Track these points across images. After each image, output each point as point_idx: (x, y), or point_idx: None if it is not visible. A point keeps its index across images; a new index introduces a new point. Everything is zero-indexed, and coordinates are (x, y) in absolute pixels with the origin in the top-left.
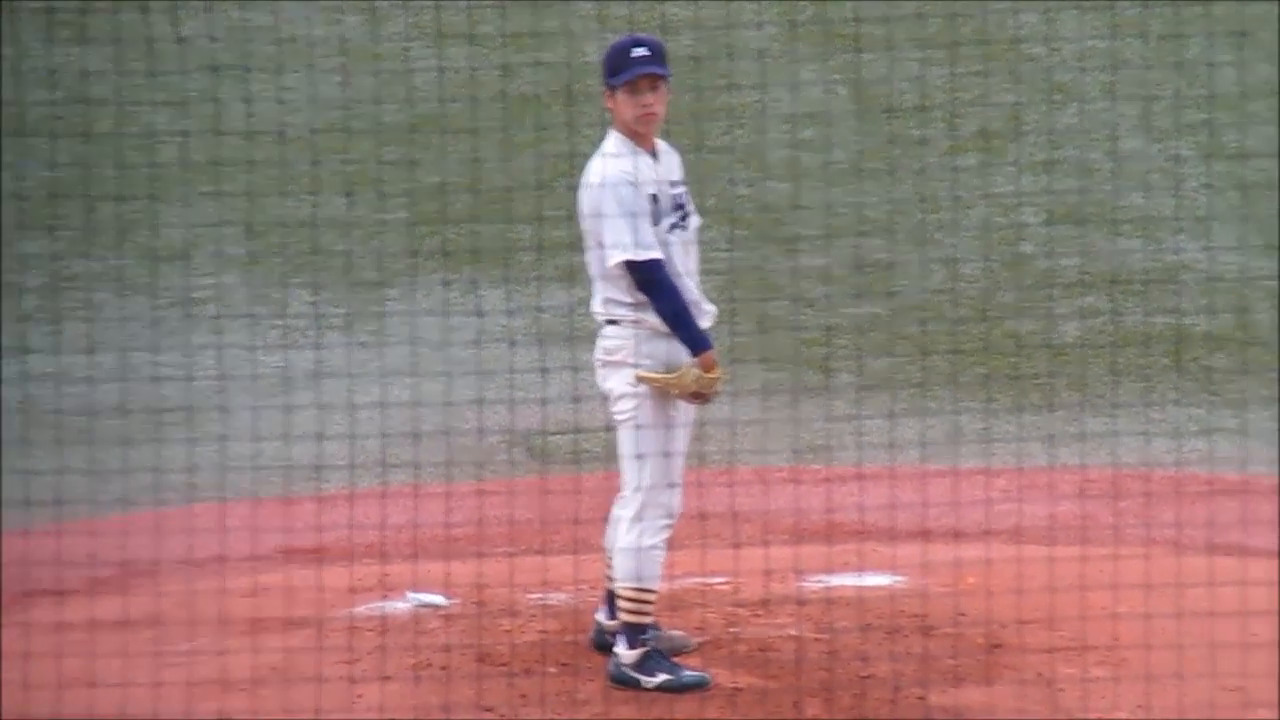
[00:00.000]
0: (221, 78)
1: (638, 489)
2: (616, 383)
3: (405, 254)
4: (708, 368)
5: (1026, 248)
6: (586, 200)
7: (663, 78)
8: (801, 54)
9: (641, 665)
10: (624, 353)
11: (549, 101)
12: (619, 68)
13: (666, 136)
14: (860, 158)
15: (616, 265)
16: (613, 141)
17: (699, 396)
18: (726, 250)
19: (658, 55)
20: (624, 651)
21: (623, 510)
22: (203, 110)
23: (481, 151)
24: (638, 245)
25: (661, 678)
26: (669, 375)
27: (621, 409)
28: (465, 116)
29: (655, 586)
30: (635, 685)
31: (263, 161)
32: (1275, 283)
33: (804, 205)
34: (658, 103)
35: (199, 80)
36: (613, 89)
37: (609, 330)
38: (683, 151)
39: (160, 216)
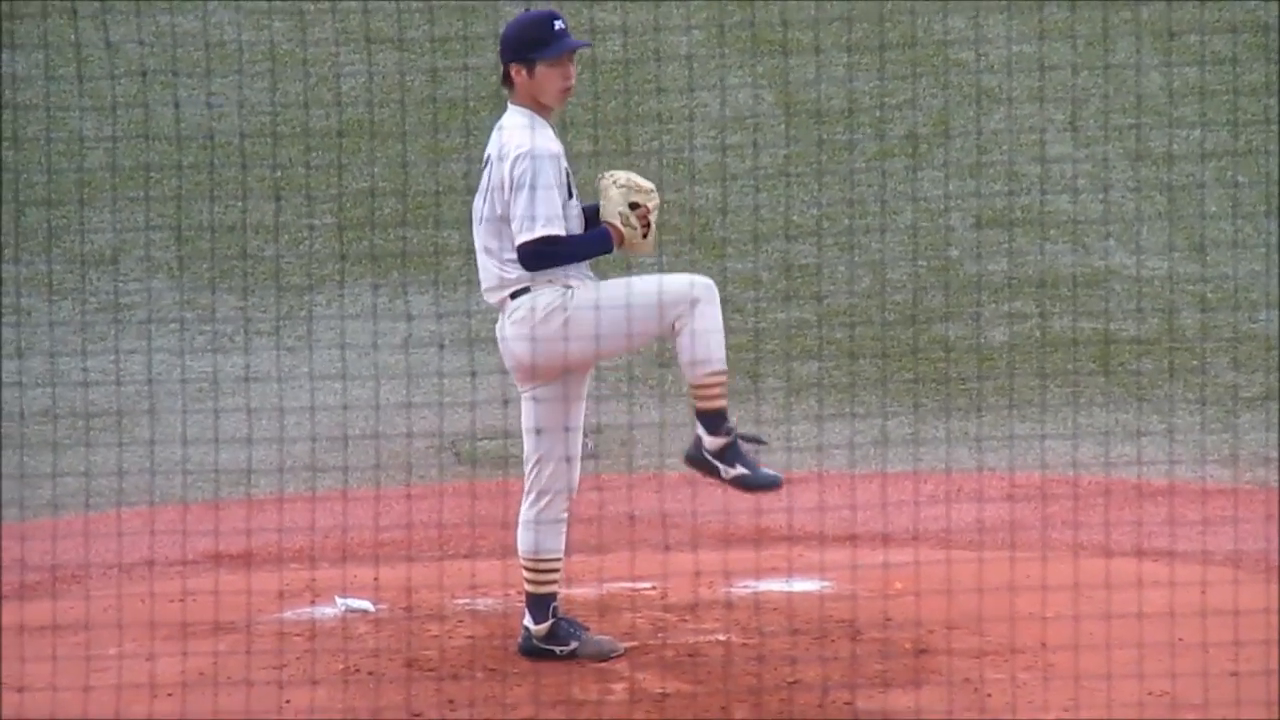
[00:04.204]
0: (149, 82)
1: (536, 463)
2: (522, 351)
3: (334, 258)
4: (626, 225)
5: (954, 252)
6: (508, 172)
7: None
8: (729, 58)
9: (552, 636)
10: (530, 322)
11: (477, 106)
12: (544, 41)
13: (595, 141)
14: (788, 162)
15: (534, 241)
16: (521, 114)
17: (644, 217)
18: (653, 255)
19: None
20: (533, 625)
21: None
22: (131, 115)
23: (410, 156)
24: (549, 221)
25: (573, 645)
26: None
27: (523, 380)
28: (393, 121)
29: (556, 555)
30: (549, 655)
31: (191, 166)
32: (1201, 286)
33: (731, 209)
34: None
35: (127, 85)
36: (530, 63)
37: (516, 301)
38: (611, 155)
39: (88, 221)
